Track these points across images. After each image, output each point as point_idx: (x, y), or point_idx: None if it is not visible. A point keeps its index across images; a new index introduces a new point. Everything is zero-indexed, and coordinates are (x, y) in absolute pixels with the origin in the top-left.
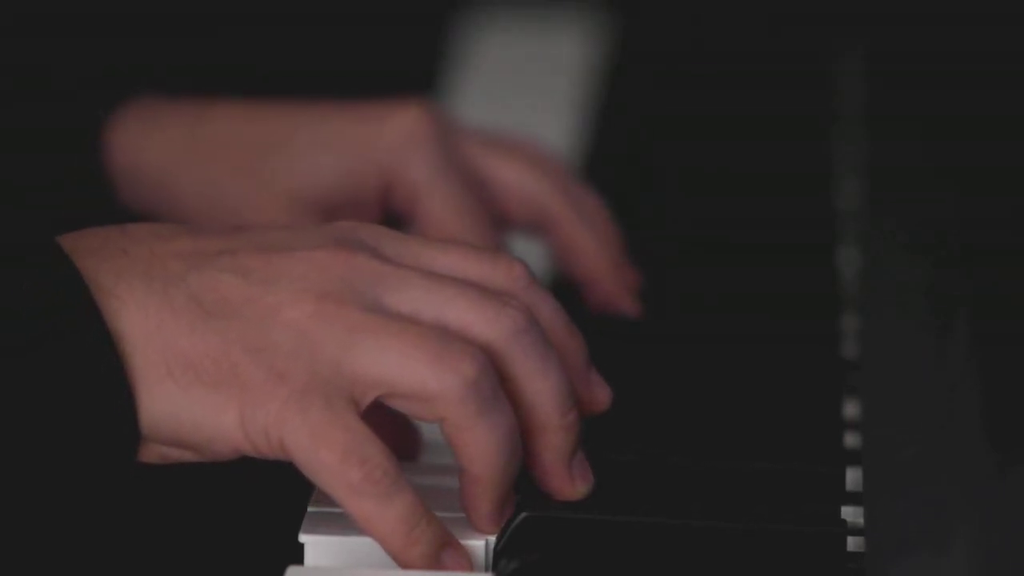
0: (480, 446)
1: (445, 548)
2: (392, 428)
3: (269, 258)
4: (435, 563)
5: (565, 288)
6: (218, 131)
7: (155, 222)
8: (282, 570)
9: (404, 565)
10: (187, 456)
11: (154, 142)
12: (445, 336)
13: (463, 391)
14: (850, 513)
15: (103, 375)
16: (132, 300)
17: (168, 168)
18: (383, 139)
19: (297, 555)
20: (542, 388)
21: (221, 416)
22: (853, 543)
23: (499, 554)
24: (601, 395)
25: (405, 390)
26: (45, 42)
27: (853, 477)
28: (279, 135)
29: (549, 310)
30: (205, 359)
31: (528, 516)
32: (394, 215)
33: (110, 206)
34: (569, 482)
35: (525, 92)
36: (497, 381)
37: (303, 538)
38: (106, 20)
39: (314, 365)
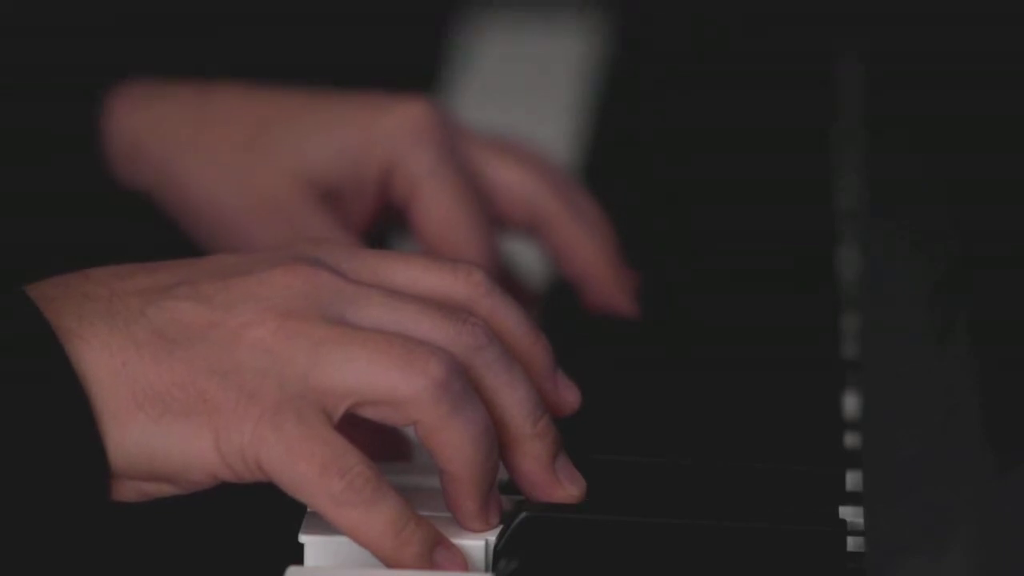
0: (456, 445)
1: (436, 548)
2: (379, 432)
3: (228, 283)
4: (428, 563)
5: (564, 290)
6: (221, 110)
7: (114, 264)
8: (282, 570)
9: (397, 568)
10: (166, 490)
11: (155, 122)
12: (410, 341)
13: (434, 392)
14: (850, 513)
15: (69, 416)
16: (96, 340)
17: (170, 148)
18: (387, 128)
19: (297, 555)
20: (508, 401)
21: (195, 443)
22: (853, 543)
23: (499, 554)
24: (569, 396)
25: (376, 397)
26: (40, 27)
27: (853, 477)
28: (283, 114)
29: (512, 315)
30: (173, 388)
31: (528, 516)
32: (391, 208)
33: (108, 187)
34: (558, 487)
35: (525, 92)
36: (467, 380)
37: (303, 538)
38: (102, 19)
39: (283, 382)
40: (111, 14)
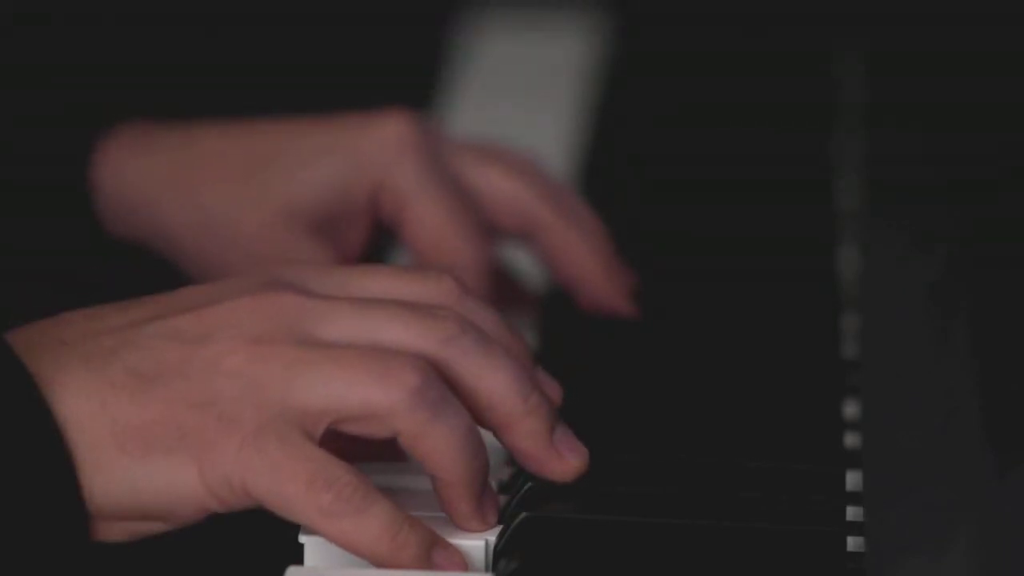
0: (441, 451)
1: (434, 548)
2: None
3: (198, 314)
4: (426, 564)
5: (563, 293)
6: (205, 152)
7: (89, 307)
8: (282, 570)
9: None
10: (156, 527)
11: (141, 168)
12: (382, 353)
13: (411, 401)
14: (850, 513)
15: (47, 466)
16: (73, 385)
17: (156, 193)
18: (371, 148)
19: (297, 555)
20: (494, 384)
21: (180, 478)
22: (853, 543)
23: (499, 554)
24: (552, 393)
25: (354, 413)
26: (28, 71)
27: (853, 477)
28: (267, 150)
29: (487, 319)
30: (153, 426)
31: (528, 516)
32: (382, 225)
33: (97, 234)
34: (559, 460)
35: (525, 92)
36: (443, 385)
37: (303, 538)
38: (99, 21)
39: (261, 406)
40: (109, 14)
